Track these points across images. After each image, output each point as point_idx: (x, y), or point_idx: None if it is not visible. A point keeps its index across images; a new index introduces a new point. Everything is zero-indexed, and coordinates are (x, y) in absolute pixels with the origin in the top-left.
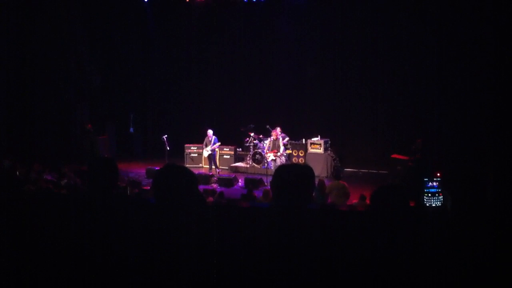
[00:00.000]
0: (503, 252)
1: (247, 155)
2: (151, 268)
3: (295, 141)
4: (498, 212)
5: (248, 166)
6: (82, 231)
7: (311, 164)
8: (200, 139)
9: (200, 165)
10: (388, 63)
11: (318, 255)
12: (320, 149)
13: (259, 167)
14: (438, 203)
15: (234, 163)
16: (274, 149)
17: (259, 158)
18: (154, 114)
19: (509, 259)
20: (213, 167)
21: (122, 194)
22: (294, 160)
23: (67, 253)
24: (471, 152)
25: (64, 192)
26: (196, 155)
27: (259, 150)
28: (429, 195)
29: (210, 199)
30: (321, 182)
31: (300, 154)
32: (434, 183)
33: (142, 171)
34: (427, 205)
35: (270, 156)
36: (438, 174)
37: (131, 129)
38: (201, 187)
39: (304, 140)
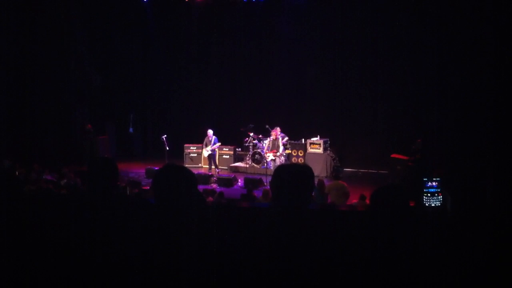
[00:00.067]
0: (503, 252)
1: (246, 155)
2: (151, 268)
3: (294, 141)
4: (497, 212)
5: (247, 166)
6: (82, 231)
7: (311, 164)
8: (199, 139)
9: (200, 165)
10: (388, 63)
11: (318, 255)
12: (320, 149)
13: (258, 167)
14: (438, 203)
15: (234, 163)
16: (274, 149)
17: (258, 158)
18: (154, 114)
19: (508, 259)
20: (213, 167)
21: (122, 194)
22: (293, 160)
23: (67, 254)
24: (471, 152)
25: (64, 192)
26: (196, 155)
27: (259, 150)
28: (429, 195)
29: (210, 199)
30: (321, 182)
31: (300, 154)
32: (434, 183)
33: (142, 171)
34: (427, 205)
35: (270, 156)
36: (438, 174)
37: (131, 129)
38: (201, 187)
39: (303, 140)
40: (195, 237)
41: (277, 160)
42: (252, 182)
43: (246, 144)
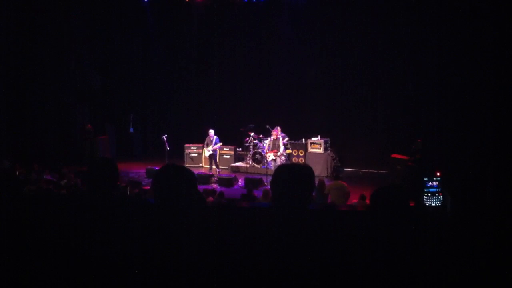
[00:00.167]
0: (503, 252)
1: (247, 155)
2: (152, 268)
3: (295, 140)
4: (497, 212)
5: (248, 166)
6: (82, 231)
7: (311, 164)
8: (200, 139)
9: (200, 165)
10: (388, 63)
11: (318, 255)
12: (320, 149)
13: (259, 167)
14: (438, 203)
15: (234, 163)
16: (274, 149)
17: (259, 158)
18: (154, 114)
19: (508, 259)
20: (213, 167)
21: (122, 194)
22: (294, 160)
23: (67, 254)
24: (471, 152)
25: (64, 193)
26: (196, 155)
27: (259, 150)
28: (429, 195)
29: (210, 199)
30: (321, 182)
31: (300, 154)
32: (434, 183)
33: (142, 171)
34: (427, 205)
35: (270, 156)
36: (438, 174)
37: (131, 129)
38: (201, 187)
39: (304, 140)
40: (195, 237)
41: (278, 160)
42: (253, 182)
43: (247, 144)
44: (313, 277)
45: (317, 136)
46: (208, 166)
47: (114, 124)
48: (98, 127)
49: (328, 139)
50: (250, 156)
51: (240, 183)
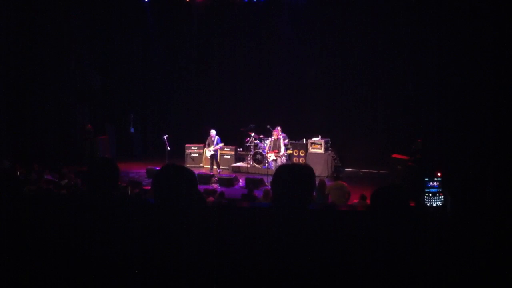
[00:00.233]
0: (503, 252)
1: (247, 155)
2: (152, 268)
3: (295, 141)
4: (498, 212)
5: (248, 166)
6: (83, 231)
7: (312, 164)
8: (200, 139)
9: (201, 165)
10: (388, 63)
11: (318, 255)
12: (321, 149)
13: (259, 167)
14: (439, 203)
15: (235, 163)
16: (275, 149)
17: (259, 158)
18: (154, 114)
19: (508, 259)
20: (214, 167)
21: (123, 195)
22: (294, 160)
23: (67, 254)
24: (471, 152)
25: (64, 193)
26: (197, 155)
27: (260, 150)
28: (430, 195)
29: (211, 199)
30: (322, 182)
31: (301, 154)
32: (435, 183)
33: (143, 171)
34: (428, 205)
35: (271, 156)
36: (439, 174)
37: (131, 129)
38: (202, 187)
39: (304, 140)
40: (195, 237)
41: (279, 160)
42: (253, 182)
43: (247, 144)
44: (313, 277)
45: (317, 136)
46: (209, 166)
47: (114, 124)
48: (98, 127)
49: (329, 139)
50: (251, 156)
51: (240, 183)
